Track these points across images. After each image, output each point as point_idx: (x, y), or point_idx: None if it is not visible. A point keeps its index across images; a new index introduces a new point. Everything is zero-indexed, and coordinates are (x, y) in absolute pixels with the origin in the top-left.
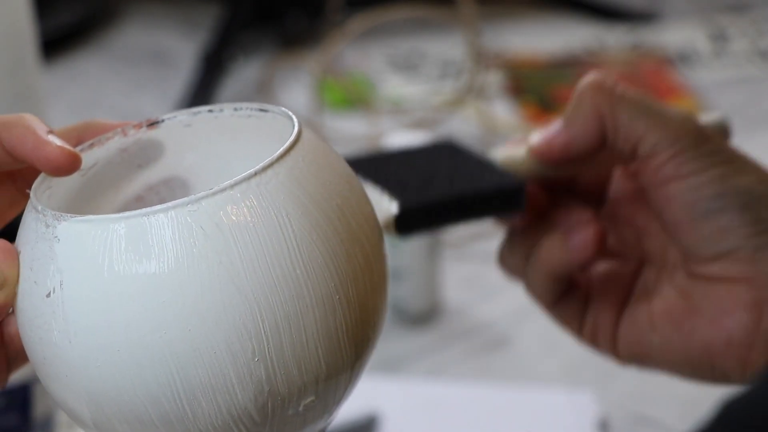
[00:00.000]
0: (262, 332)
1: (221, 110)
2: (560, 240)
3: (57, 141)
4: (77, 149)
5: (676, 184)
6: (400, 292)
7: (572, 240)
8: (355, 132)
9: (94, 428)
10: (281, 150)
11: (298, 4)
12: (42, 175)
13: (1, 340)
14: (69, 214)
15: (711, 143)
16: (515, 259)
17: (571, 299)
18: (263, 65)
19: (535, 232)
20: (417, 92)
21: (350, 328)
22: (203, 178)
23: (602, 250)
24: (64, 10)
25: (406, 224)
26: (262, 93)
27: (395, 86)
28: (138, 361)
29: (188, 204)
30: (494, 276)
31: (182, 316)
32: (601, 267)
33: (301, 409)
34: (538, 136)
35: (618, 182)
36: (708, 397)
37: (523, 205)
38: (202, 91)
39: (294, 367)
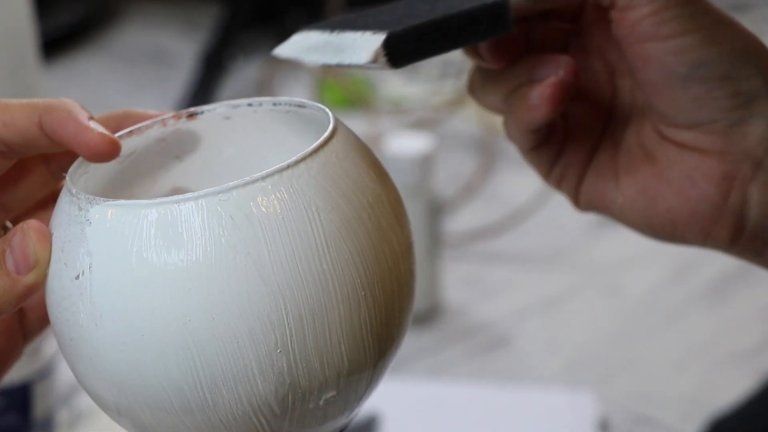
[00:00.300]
0: (286, 325)
1: (260, 104)
2: (526, 95)
3: (98, 127)
4: (116, 136)
5: (655, 44)
6: None
7: (531, 96)
8: (355, 132)
9: (117, 413)
10: (315, 145)
11: (298, 4)
12: (79, 160)
13: (20, 312)
14: (101, 198)
15: (695, 3)
16: (489, 98)
17: (547, 146)
18: (263, 65)
19: (511, 77)
20: (417, 92)
21: (375, 326)
22: (240, 171)
23: (560, 107)
24: (64, 10)
25: (396, 51)
26: (262, 93)
27: (395, 86)
28: (161, 347)
29: (219, 193)
30: (494, 276)
31: (207, 304)
32: (575, 108)
33: (321, 403)
34: None
35: (592, 12)
36: (708, 398)
37: (510, 25)
38: (202, 91)
39: (316, 361)
